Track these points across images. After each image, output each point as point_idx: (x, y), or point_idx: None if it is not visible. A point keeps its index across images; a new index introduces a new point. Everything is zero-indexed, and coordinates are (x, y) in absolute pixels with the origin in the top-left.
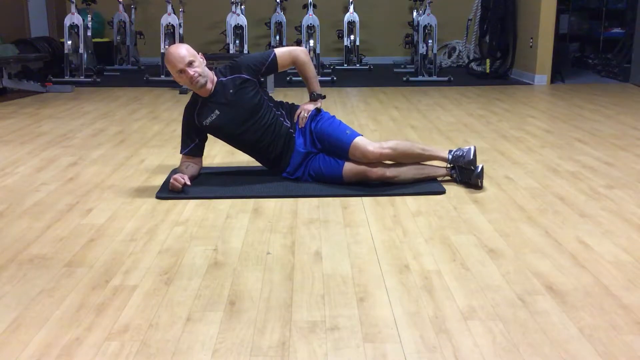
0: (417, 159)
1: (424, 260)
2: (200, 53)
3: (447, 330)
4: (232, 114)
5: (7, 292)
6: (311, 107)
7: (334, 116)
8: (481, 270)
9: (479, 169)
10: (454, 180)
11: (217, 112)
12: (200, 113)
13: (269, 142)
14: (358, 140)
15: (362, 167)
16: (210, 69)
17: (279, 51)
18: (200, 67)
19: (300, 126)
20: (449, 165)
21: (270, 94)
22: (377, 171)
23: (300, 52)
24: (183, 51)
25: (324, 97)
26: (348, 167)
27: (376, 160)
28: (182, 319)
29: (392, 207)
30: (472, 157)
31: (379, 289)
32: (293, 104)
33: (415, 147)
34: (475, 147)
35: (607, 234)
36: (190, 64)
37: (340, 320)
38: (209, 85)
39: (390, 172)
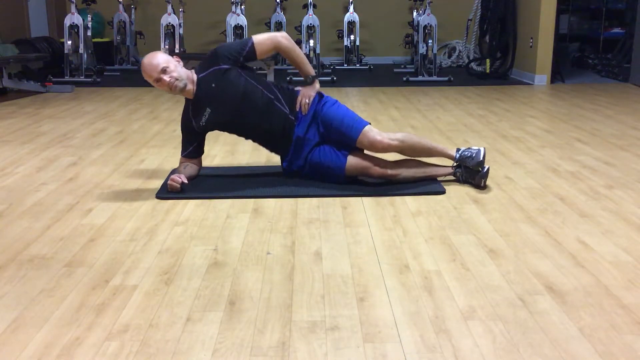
0: (424, 154)
1: (424, 260)
2: (175, 56)
3: (447, 330)
4: (221, 106)
5: (7, 292)
6: (312, 92)
7: (337, 100)
8: (481, 270)
9: (485, 170)
10: (457, 179)
11: (207, 109)
12: (194, 115)
13: (267, 125)
14: (367, 129)
15: (366, 164)
16: (189, 69)
17: (257, 39)
18: (175, 71)
19: (303, 113)
20: (454, 164)
21: (265, 78)
22: (379, 169)
23: (282, 38)
24: (155, 60)
25: (319, 76)
26: (352, 162)
27: (383, 151)
28: (182, 319)
29: (392, 207)
30: (481, 158)
31: (379, 289)
32: (293, 89)
33: (423, 142)
34: (485, 149)
35: (607, 234)
36: (164, 70)
37: (340, 320)
38: (190, 87)
39: (392, 171)
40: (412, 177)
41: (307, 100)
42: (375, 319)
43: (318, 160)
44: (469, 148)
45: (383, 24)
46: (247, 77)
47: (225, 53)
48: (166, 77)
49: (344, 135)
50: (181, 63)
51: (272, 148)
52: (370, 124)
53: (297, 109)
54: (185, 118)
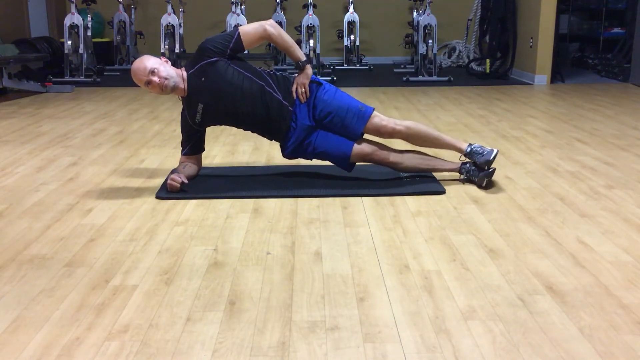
0: (432, 144)
1: (424, 260)
2: (162, 57)
3: (447, 330)
4: (213, 99)
5: (7, 292)
6: (305, 80)
7: (337, 89)
8: (481, 270)
9: (490, 170)
10: (460, 177)
11: (200, 105)
12: (189, 112)
13: (262, 112)
14: (373, 115)
15: (369, 149)
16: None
17: (243, 29)
18: (165, 72)
19: (301, 102)
20: (462, 157)
21: (256, 67)
22: (381, 155)
23: (268, 26)
24: (143, 64)
25: (311, 60)
26: (356, 149)
27: (388, 136)
28: (182, 319)
29: (392, 207)
30: (491, 158)
31: (379, 289)
32: (287, 75)
33: (430, 132)
34: (497, 151)
35: (607, 234)
36: (153, 72)
37: (340, 320)
38: (181, 85)
39: (394, 158)
40: (414, 167)
41: (302, 90)
42: (375, 319)
43: (322, 149)
44: (482, 146)
45: (383, 24)
46: (236, 67)
47: (211, 46)
48: (155, 79)
49: (348, 128)
50: (169, 63)
51: (271, 136)
52: (374, 109)
53: (295, 97)
54: (183, 117)
